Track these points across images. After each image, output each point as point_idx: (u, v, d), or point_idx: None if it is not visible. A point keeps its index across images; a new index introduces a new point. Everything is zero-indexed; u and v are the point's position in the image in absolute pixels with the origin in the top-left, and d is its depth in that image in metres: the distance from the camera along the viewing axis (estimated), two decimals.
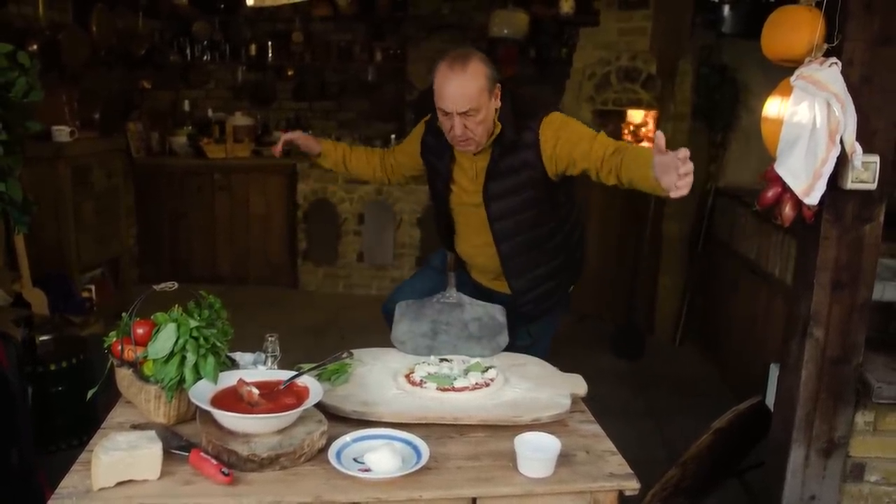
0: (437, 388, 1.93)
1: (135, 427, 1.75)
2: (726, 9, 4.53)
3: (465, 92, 2.16)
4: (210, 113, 6.86)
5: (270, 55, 7.09)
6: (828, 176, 1.96)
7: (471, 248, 2.53)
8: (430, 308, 2.34)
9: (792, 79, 1.97)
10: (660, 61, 4.88)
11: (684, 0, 4.80)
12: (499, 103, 2.26)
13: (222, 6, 6.74)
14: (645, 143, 5.30)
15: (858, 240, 2.11)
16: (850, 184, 2.03)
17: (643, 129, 5.39)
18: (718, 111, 4.78)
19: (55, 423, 3.36)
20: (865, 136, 1.98)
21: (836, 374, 2.19)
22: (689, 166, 1.74)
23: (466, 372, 2.01)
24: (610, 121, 5.45)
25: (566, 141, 2.24)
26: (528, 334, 2.48)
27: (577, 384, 2.03)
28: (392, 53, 7.11)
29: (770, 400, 2.42)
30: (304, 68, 7.20)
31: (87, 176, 4.83)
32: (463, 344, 2.25)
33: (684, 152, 1.75)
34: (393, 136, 6.73)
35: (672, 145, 5.09)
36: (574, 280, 2.65)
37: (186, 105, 6.94)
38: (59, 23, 4.93)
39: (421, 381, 1.96)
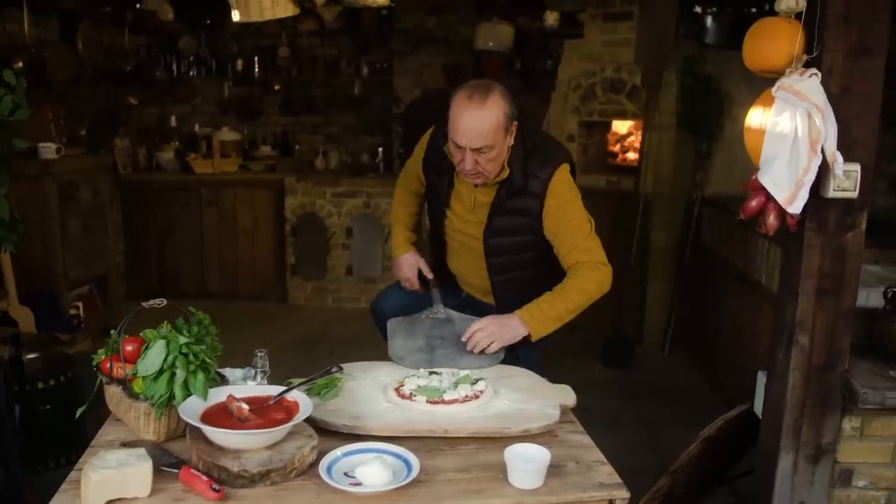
0: (427, 401, 1.93)
1: (124, 445, 1.74)
2: (709, 20, 4.58)
3: (481, 128, 2.10)
4: (197, 128, 6.85)
5: (257, 70, 7.09)
6: (810, 185, 1.99)
7: (463, 267, 2.54)
8: (420, 324, 2.35)
9: (773, 89, 2.00)
10: (644, 72, 4.92)
11: (668, 11, 4.85)
12: (512, 142, 2.22)
13: (208, 22, 6.74)
14: (630, 154, 5.34)
15: (841, 247, 2.14)
16: (832, 192, 2.06)
17: (629, 140, 5.43)
18: (703, 121, 4.82)
19: (42, 441, 3.33)
20: (846, 146, 2.01)
21: (822, 380, 2.21)
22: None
23: (456, 384, 2.02)
24: (596, 132, 5.49)
25: (562, 221, 2.29)
26: (515, 357, 2.45)
27: (567, 395, 2.04)
28: (378, 67, 7.13)
29: (758, 407, 2.44)
30: (290, 83, 7.21)
31: (73, 193, 4.82)
32: (462, 356, 2.25)
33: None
34: (380, 149, 6.75)
35: (657, 155, 5.09)
36: None
37: (173, 121, 6.93)
38: (45, 40, 4.94)
39: (411, 394, 1.97)
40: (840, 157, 1.98)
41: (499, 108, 2.13)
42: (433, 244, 2.60)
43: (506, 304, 2.38)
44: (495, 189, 2.31)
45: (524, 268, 2.40)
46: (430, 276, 2.48)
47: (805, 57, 2.01)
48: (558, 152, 2.35)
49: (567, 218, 2.29)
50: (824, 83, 1.98)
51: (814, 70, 1.97)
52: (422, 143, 2.50)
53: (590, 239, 2.33)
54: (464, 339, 2.23)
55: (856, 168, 2.05)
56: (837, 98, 2.01)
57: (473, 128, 2.11)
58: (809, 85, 1.95)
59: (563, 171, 2.30)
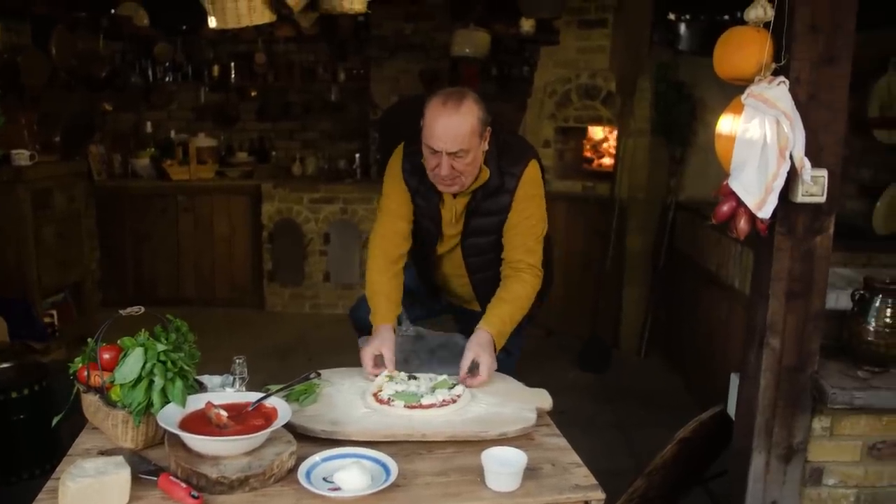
0: (405, 406, 1.95)
1: (102, 453, 1.74)
2: (683, 27, 4.66)
3: (457, 132, 2.13)
4: (173, 134, 6.81)
5: (233, 76, 7.07)
6: (779, 190, 2.03)
7: (444, 276, 2.58)
8: None
9: (743, 97, 2.04)
10: (619, 79, 4.98)
11: (642, 18, 4.92)
12: (486, 147, 2.26)
13: (184, 27, 6.71)
14: (606, 160, 5.39)
15: (810, 251, 2.18)
16: (800, 197, 2.10)
17: (604, 145, 5.49)
18: (676, 127, 4.89)
19: (17, 451, 3.29)
20: (813, 152, 2.06)
21: (792, 381, 2.25)
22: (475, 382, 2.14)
23: (433, 389, 2.04)
24: (571, 137, 5.54)
25: (522, 216, 2.35)
26: (504, 350, 2.47)
27: (543, 398, 2.07)
28: (355, 73, 7.14)
29: (731, 409, 2.48)
30: (267, 89, 7.19)
31: (47, 200, 4.77)
32: (438, 366, 2.27)
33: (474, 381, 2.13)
34: (357, 155, 6.75)
35: (632, 160, 5.14)
36: (542, 298, 2.68)
37: (149, 127, 6.89)
38: (18, 45, 4.88)
39: (389, 399, 1.98)
40: (808, 163, 2.03)
41: (473, 113, 2.17)
42: (417, 261, 2.60)
43: (485, 299, 2.42)
44: (470, 195, 2.35)
45: (498, 265, 2.43)
46: (391, 368, 2.20)
47: (773, 65, 2.05)
48: (528, 149, 2.43)
49: (527, 213, 2.35)
50: (792, 91, 2.02)
51: (782, 78, 2.02)
52: (393, 171, 2.43)
53: (538, 242, 2.40)
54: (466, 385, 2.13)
55: (823, 174, 2.10)
56: (805, 105, 2.06)
57: (448, 132, 2.14)
58: (778, 92, 1.99)
59: (534, 167, 2.37)
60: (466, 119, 2.15)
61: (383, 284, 2.38)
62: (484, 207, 2.34)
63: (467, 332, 2.33)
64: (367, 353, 2.21)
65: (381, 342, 2.22)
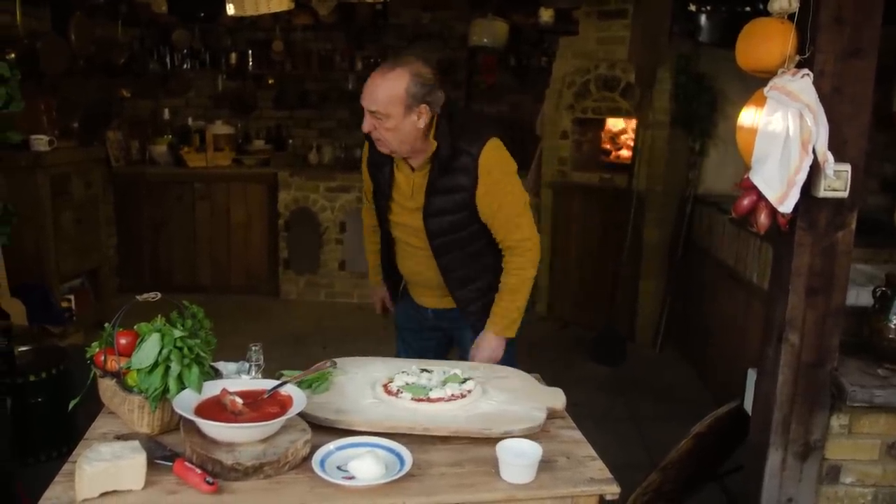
0: (412, 399, 1.93)
1: (118, 437, 1.75)
2: (703, 18, 4.60)
3: (375, 93, 2.19)
4: (190, 121, 6.84)
5: (251, 64, 7.08)
6: (801, 184, 2.00)
7: (413, 264, 2.55)
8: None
9: (765, 89, 2.01)
10: (638, 70, 4.94)
11: (662, 9, 4.86)
12: (423, 124, 2.25)
13: (202, 15, 6.72)
14: (624, 152, 5.36)
15: (832, 246, 2.16)
16: (822, 192, 2.07)
17: (622, 137, 5.45)
18: (696, 119, 4.85)
19: (34, 434, 3.33)
20: (837, 146, 2.03)
21: (811, 378, 2.23)
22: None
23: (444, 383, 2.01)
24: (589, 129, 5.51)
25: (495, 201, 2.33)
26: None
27: (557, 398, 2.02)
28: (373, 62, 7.11)
29: (749, 404, 2.46)
30: (284, 77, 7.19)
31: (65, 185, 4.80)
32: None
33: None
34: None
35: (651, 152, 5.11)
36: None
37: (166, 114, 6.92)
38: (38, 31, 4.91)
39: (397, 390, 1.97)
40: (831, 157, 2.00)
41: (401, 82, 2.18)
42: (383, 246, 2.64)
43: (456, 287, 2.47)
44: (426, 171, 2.35)
45: (465, 245, 2.42)
46: (390, 308, 2.83)
47: (797, 57, 2.02)
48: (487, 128, 2.39)
49: (500, 196, 2.34)
50: (816, 84, 1.99)
51: (806, 71, 1.98)
52: (364, 152, 2.56)
53: (522, 214, 2.39)
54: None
55: (846, 168, 2.07)
56: (829, 98, 2.02)
57: (371, 91, 2.21)
58: (801, 85, 1.96)
59: (493, 144, 2.32)
60: (391, 85, 2.18)
61: (374, 244, 2.76)
62: (441, 184, 2.33)
63: (461, 340, 2.59)
64: (375, 300, 2.85)
65: (383, 294, 2.81)
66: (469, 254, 2.43)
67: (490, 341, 2.41)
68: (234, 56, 7.03)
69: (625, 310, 5.17)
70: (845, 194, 2.09)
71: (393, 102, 2.19)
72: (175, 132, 6.66)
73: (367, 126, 2.27)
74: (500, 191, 2.33)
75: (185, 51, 6.96)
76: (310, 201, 6.02)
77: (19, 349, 3.36)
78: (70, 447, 1.78)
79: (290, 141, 7.17)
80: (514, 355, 2.52)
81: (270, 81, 7.23)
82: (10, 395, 3.12)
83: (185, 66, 7.01)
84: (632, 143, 5.11)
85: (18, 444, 3.20)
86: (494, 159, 2.32)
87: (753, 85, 2.12)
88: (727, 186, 4.72)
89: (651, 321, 5.15)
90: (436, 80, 2.26)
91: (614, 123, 5.48)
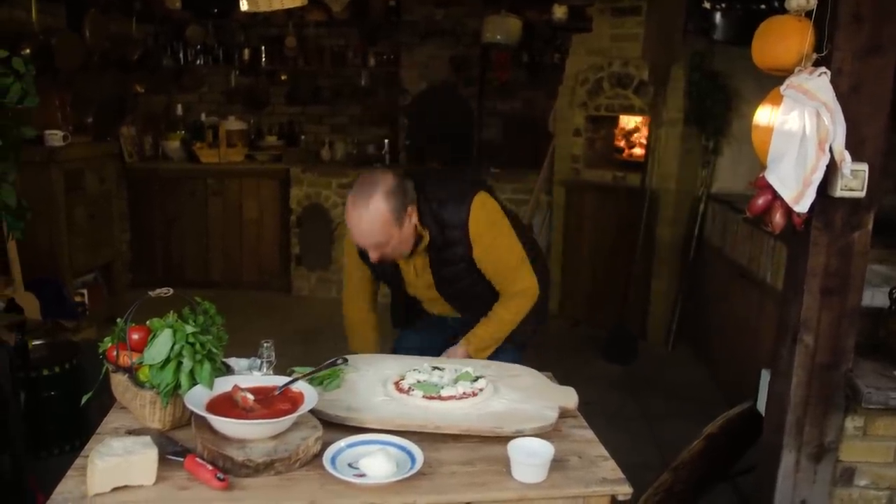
0: (424, 397, 1.92)
1: (130, 432, 1.75)
2: (718, 16, 4.57)
3: (364, 231, 2.17)
4: (203, 117, 6.86)
5: (264, 59, 7.10)
6: (817, 184, 1.98)
7: (430, 305, 2.62)
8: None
9: (782, 88, 1.99)
10: (652, 67, 4.91)
11: (676, 7, 4.83)
12: (416, 219, 2.26)
13: (216, 11, 6.74)
14: (637, 150, 5.33)
15: (848, 247, 2.13)
16: (839, 192, 2.05)
17: (635, 135, 5.42)
18: (710, 117, 4.82)
19: (47, 428, 3.35)
20: (854, 145, 2.01)
21: (825, 379, 2.21)
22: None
23: (456, 381, 2.01)
24: (602, 127, 5.48)
25: (491, 263, 2.38)
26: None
27: (569, 396, 2.01)
28: (386, 58, 7.13)
29: (762, 405, 2.44)
30: (297, 73, 7.21)
31: (79, 180, 4.83)
32: None
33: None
34: (386, 141, 6.75)
35: (664, 151, 5.08)
36: (532, 323, 2.60)
37: (179, 109, 6.94)
38: (53, 27, 4.93)
39: (409, 388, 1.96)
40: (848, 157, 1.98)
41: (382, 209, 2.15)
42: (395, 293, 2.68)
43: (465, 311, 2.55)
44: (426, 254, 2.38)
45: (478, 283, 2.46)
46: None
47: (814, 56, 2.00)
48: (467, 192, 2.35)
49: (494, 258, 2.39)
50: (833, 82, 1.97)
51: (823, 69, 1.96)
52: (349, 245, 2.52)
53: (517, 269, 2.43)
54: None
55: (863, 167, 2.05)
56: (846, 97, 2.00)
57: (359, 231, 2.19)
58: (818, 83, 1.94)
59: (477, 205, 2.32)
60: (374, 216, 2.15)
61: (363, 340, 2.63)
62: (442, 259, 2.38)
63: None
64: None
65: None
66: (477, 292, 2.48)
67: (458, 356, 2.42)
68: (247, 52, 7.05)
69: (637, 309, 5.14)
70: (862, 194, 2.07)
71: (385, 228, 2.18)
72: (188, 128, 6.68)
73: (375, 257, 2.26)
74: (495, 251, 2.38)
75: (198, 47, 6.98)
76: (322, 197, 6.02)
77: (33, 343, 3.37)
78: (83, 441, 1.79)
79: (303, 137, 7.19)
80: (519, 361, 2.53)
81: (283, 77, 7.24)
82: (24, 388, 3.14)
83: (198, 61, 7.03)
84: (645, 141, 5.08)
85: (31, 438, 3.22)
86: (483, 223, 2.33)
87: (768, 83, 2.10)
88: (741, 185, 4.69)
89: (663, 320, 5.13)
90: (398, 178, 2.22)
91: (627, 121, 5.45)
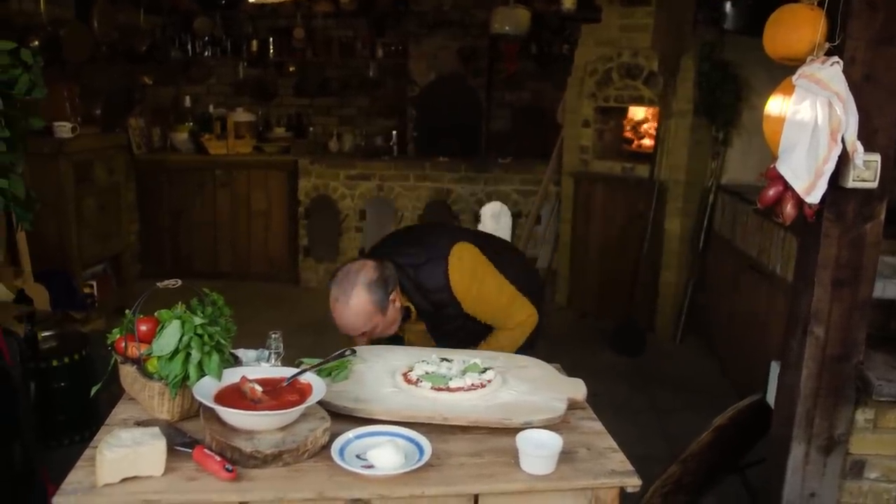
0: (432, 388, 1.92)
1: (139, 424, 1.76)
2: (728, 5, 4.52)
3: (355, 322, 2.21)
4: (211, 109, 6.87)
5: (272, 51, 7.09)
6: (829, 175, 1.96)
7: (416, 340, 2.60)
8: None
9: (794, 78, 1.97)
10: (661, 58, 4.88)
11: None
12: (399, 303, 2.28)
13: (223, 2, 6.73)
14: (646, 141, 5.31)
15: (859, 238, 2.11)
16: (851, 182, 2.03)
17: (644, 126, 5.40)
18: (720, 108, 4.79)
19: (57, 418, 3.37)
20: (867, 135, 1.98)
21: (836, 371, 2.20)
22: None
23: (464, 372, 2.00)
24: (611, 117, 5.46)
25: (481, 310, 2.39)
26: None
27: (577, 388, 2.00)
28: (394, 49, 7.11)
29: (771, 397, 2.43)
30: (305, 64, 7.20)
31: (88, 172, 4.84)
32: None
33: None
34: (394, 132, 6.73)
35: (674, 142, 5.05)
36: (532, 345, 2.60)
37: (188, 101, 6.95)
38: (61, 18, 4.94)
39: (417, 379, 1.96)
40: (860, 147, 1.95)
41: (362, 301, 2.18)
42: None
43: (468, 344, 2.48)
44: (419, 320, 2.41)
45: (464, 325, 2.46)
46: None
47: (827, 45, 1.98)
48: (439, 254, 2.34)
49: (485, 305, 2.40)
50: (846, 71, 1.94)
51: (836, 58, 1.94)
52: None
53: (510, 306, 2.42)
54: None
55: (876, 158, 2.02)
56: (859, 87, 1.98)
57: (348, 325, 2.22)
58: (831, 73, 1.92)
59: (454, 265, 2.32)
60: (357, 310, 2.19)
61: None
62: (438, 323, 2.41)
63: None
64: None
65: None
66: (467, 332, 2.47)
67: None
68: (255, 43, 7.05)
69: (645, 300, 5.13)
70: (874, 184, 2.05)
71: (369, 318, 2.21)
72: (196, 119, 6.69)
73: (364, 341, 2.30)
74: (483, 300, 2.38)
75: (206, 38, 6.98)
76: (329, 189, 6.02)
77: (43, 334, 3.39)
78: (92, 431, 1.79)
79: (311, 128, 7.18)
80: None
81: (291, 69, 7.24)
82: (34, 379, 3.16)
83: (206, 53, 7.04)
84: (654, 133, 5.05)
85: (41, 428, 3.24)
86: (466, 278, 2.33)
87: (778, 74, 2.08)
88: (751, 177, 4.66)
89: (671, 312, 5.11)
90: (378, 267, 2.22)
91: (636, 112, 5.43)
